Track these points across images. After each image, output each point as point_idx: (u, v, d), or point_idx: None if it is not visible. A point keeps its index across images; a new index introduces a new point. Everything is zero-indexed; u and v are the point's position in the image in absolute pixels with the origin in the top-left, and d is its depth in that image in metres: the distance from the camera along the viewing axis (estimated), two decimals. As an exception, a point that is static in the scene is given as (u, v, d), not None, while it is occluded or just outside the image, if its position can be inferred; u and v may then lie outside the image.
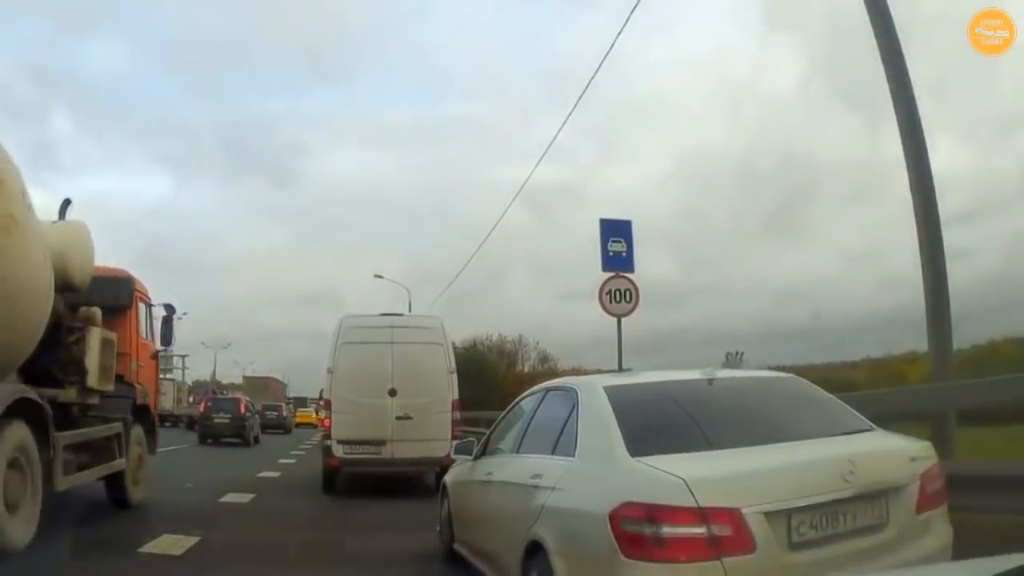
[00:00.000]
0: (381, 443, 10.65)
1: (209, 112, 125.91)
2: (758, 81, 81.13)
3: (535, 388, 5.20)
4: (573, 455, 3.81)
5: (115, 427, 8.31)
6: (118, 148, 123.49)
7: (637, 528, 3.02)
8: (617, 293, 13.02)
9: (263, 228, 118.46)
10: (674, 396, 3.98)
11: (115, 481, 8.57)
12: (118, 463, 8.33)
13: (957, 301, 7.32)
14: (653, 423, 3.70)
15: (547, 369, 66.03)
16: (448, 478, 6.38)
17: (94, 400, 7.90)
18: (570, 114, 17.14)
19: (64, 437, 6.81)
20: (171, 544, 6.28)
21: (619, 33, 12.95)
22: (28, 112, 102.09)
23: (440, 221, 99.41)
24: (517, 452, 4.74)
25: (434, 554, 6.33)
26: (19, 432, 5.94)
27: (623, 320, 13.32)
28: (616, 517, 3.09)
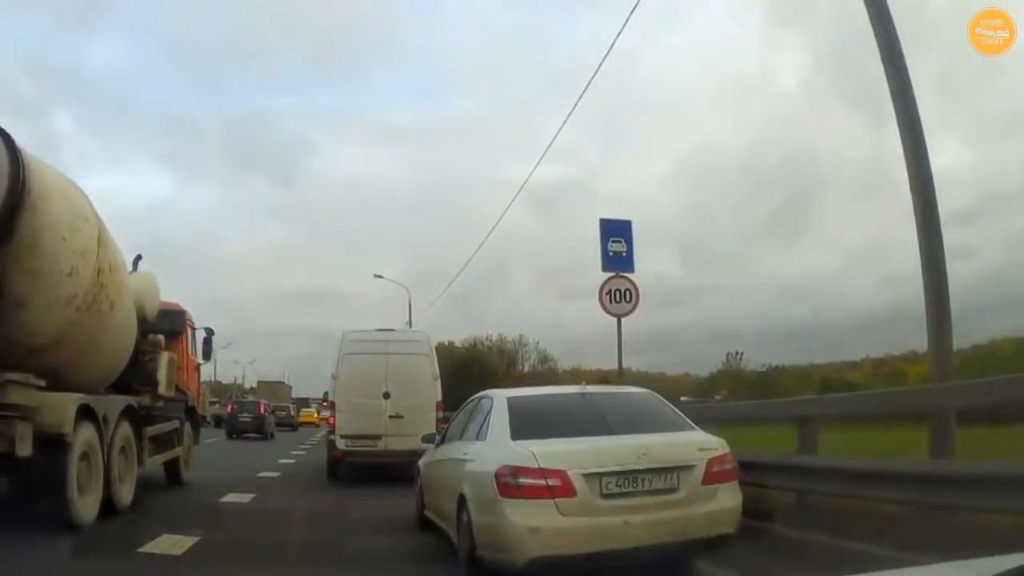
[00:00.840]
0: (377, 438, 12.50)
1: (212, 108, 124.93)
2: (763, 78, 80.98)
3: (474, 396, 7.07)
4: (485, 439, 5.83)
5: (175, 423, 11.10)
6: (120, 144, 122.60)
7: (507, 480, 4.94)
8: (617, 293, 13.02)
9: (265, 226, 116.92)
10: (550, 404, 6.24)
11: (172, 464, 11.36)
12: (177, 450, 11.28)
13: (958, 301, 7.30)
14: (531, 421, 5.62)
15: (547, 369, 66.03)
16: (420, 461, 8.23)
17: (160, 404, 10.40)
18: (570, 113, 17.19)
19: (149, 431, 9.60)
20: (171, 544, 6.27)
21: (619, 33, 12.96)
22: (30, 108, 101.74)
23: (447, 220, 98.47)
24: (460, 439, 6.63)
25: (434, 555, 6.34)
26: (125, 428, 8.58)
27: (623, 320, 13.31)
28: (497, 474, 5.00)
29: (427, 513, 7.48)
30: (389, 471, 12.21)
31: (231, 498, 10.03)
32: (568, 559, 4.86)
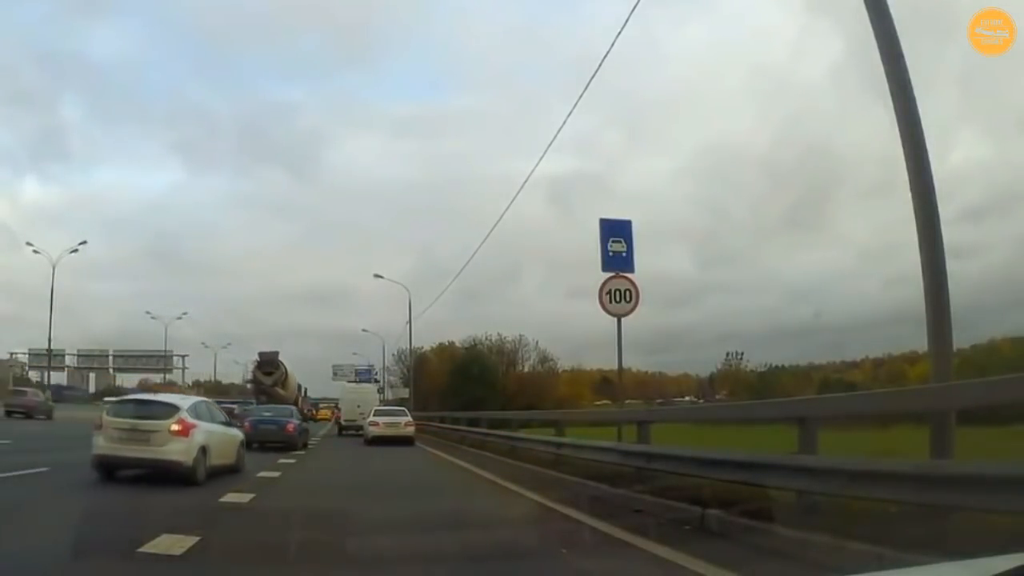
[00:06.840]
0: (355, 421, 35.85)
1: (219, 100, 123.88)
2: (783, 71, 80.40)
3: (372, 408, 33.35)
4: (369, 416, 30.49)
5: (304, 420, 30.87)
6: (125, 137, 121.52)
7: (370, 422, 29.14)
8: (617, 293, 13.00)
9: (270, 224, 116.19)
10: (383, 409, 34.63)
11: (304, 439, 26.23)
12: (307, 434, 27.89)
13: (958, 300, 7.29)
14: (378, 412, 31.06)
15: (547, 369, 66.09)
16: (364, 424, 30.70)
17: (301, 414, 33.42)
18: (571, 110, 17.15)
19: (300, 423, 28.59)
20: (171, 544, 6.25)
21: (622, 28, 12.99)
22: (35, 96, 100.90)
23: (455, 217, 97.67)
24: (368, 416, 30.63)
25: (436, 556, 6.34)
26: (300, 422, 28.32)
27: (623, 320, 13.29)
28: (368, 422, 29.54)
29: (364, 439, 28.25)
30: (359, 435, 30.51)
31: (231, 498, 10.02)
32: (373, 437, 27.27)
